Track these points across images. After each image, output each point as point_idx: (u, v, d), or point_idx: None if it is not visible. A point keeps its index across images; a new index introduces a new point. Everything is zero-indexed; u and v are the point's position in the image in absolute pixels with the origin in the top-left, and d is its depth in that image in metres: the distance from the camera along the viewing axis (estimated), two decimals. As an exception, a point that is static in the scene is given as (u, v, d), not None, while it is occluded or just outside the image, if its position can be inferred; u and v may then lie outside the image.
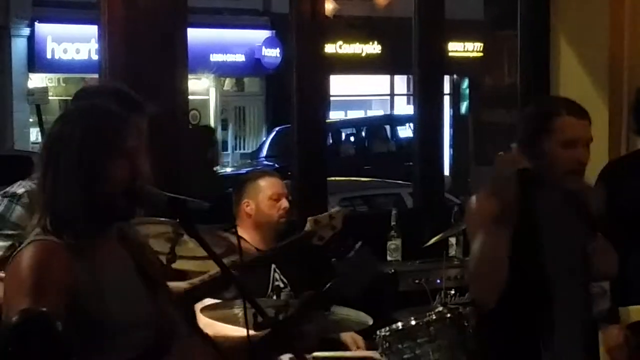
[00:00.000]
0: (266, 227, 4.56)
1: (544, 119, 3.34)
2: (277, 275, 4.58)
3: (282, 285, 4.54)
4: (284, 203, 4.60)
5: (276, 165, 17.07)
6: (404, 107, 23.76)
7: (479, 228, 3.21)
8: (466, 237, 3.37)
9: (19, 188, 3.27)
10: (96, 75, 6.34)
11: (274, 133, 20.42)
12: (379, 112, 24.86)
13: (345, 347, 4.66)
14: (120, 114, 2.71)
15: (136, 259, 2.75)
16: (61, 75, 20.09)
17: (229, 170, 17.98)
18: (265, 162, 18.40)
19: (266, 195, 4.59)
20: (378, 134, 20.41)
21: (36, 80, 19.43)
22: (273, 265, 4.57)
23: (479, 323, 3.59)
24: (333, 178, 10.02)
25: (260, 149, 20.17)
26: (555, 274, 3.28)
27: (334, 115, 20.78)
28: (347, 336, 4.63)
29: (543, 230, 3.28)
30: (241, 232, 4.49)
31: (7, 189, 3.30)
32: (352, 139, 20.37)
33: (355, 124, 21.32)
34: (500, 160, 3.28)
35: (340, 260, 3.75)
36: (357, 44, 22.13)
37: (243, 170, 17.17)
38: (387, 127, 20.69)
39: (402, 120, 20.77)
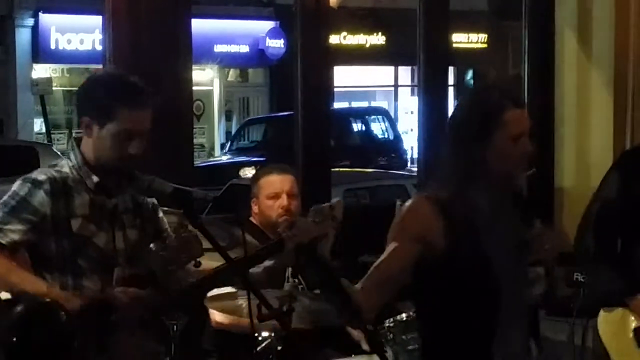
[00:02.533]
0: (268, 227, 4.52)
1: (493, 113, 3.23)
2: (289, 271, 4.56)
3: (297, 281, 4.52)
4: (283, 201, 4.46)
5: (245, 158, 17.01)
6: (408, 98, 23.74)
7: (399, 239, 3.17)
8: None
9: (40, 174, 3.29)
10: (100, 66, 6.33)
11: (243, 123, 20.40)
12: (384, 103, 24.88)
13: (351, 337, 4.64)
14: None
15: None
16: (65, 66, 20.09)
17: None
18: (230, 155, 18.25)
19: (264, 195, 4.51)
20: (343, 127, 19.48)
21: (40, 71, 19.43)
22: None
23: (424, 325, 3.54)
24: (337, 169, 10.03)
25: (234, 140, 19.85)
26: (499, 265, 3.25)
27: (338, 107, 20.77)
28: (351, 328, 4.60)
29: (481, 226, 3.23)
30: (256, 221, 4.49)
31: (28, 175, 3.32)
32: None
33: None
34: None
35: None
36: (362, 35, 22.12)
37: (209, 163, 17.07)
38: (352, 120, 20.21)
39: (369, 112, 20.68)
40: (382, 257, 3.20)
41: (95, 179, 3.33)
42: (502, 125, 3.16)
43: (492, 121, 3.16)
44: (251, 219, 4.52)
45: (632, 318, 4.06)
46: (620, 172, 4.16)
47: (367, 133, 20.03)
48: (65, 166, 3.36)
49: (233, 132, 21.00)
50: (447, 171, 3.22)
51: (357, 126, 19.97)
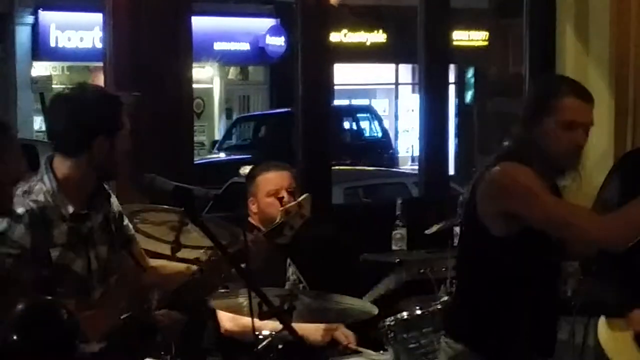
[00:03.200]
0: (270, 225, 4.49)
1: (547, 97, 3.34)
2: (292, 269, 4.56)
3: (297, 280, 4.51)
4: (285, 197, 4.41)
5: (234, 156, 16.96)
6: (409, 96, 23.72)
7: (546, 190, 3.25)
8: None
9: (18, 207, 3.24)
10: (100, 64, 6.33)
11: (234, 121, 20.31)
12: (384, 101, 24.86)
13: (336, 343, 4.62)
14: None
15: None
16: (65, 64, 20.08)
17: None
18: (220, 154, 18.15)
19: (264, 193, 4.47)
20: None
21: (40, 69, 19.42)
22: (288, 260, 4.54)
23: (460, 296, 3.64)
24: (338, 167, 10.03)
25: (225, 138, 19.73)
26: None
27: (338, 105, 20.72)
28: (337, 333, 4.57)
29: None
30: (255, 220, 4.47)
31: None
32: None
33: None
34: None
35: None
36: (362, 32, 22.10)
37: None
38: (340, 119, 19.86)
39: (357, 111, 20.54)
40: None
41: (70, 209, 3.30)
42: (554, 109, 3.27)
43: (545, 104, 3.28)
44: (250, 219, 4.49)
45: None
46: (621, 174, 4.16)
47: (354, 131, 19.98)
48: (40, 193, 3.30)
49: (239, 130, 20.98)
50: (506, 147, 3.39)
51: (345, 124, 19.90)
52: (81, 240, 3.33)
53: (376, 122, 20.67)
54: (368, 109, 21.34)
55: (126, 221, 3.55)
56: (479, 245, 3.42)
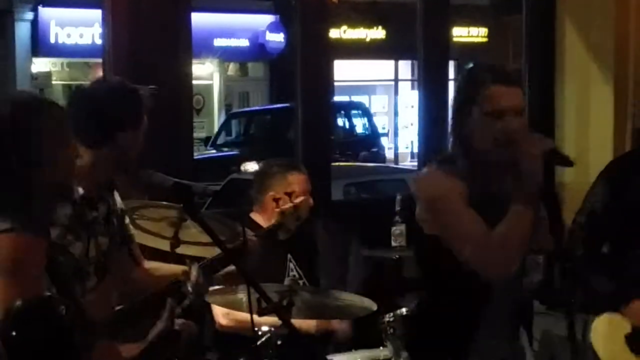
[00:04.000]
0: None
1: (473, 88, 3.24)
2: (292, 266, 4.56)
3: (297, 276, 4.51)
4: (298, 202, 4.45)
5: (227, 153, 16.94)
6: (408, 92, 23.71)
7: (455, 204, 3.14)
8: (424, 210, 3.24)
9: None
10: (100, 60, 6.32)
11: (227, 117, 20.23)
12: (384, 97, 24.85)
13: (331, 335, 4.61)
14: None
15: None
16: (65, 60, 20.06)
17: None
18: (212, 150, 18.08)
19: (284, 192, 4.46)
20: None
21: (39, 65, 19.41)
22: (289, 256, 4.54)
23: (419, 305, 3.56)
24: (337, 163, 10.02)
25: (218, 134, 19.68)
26: None
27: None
28: (334, 322, 4.57)
29: (484, 206, 3.22)
30: (259, 218, 4.46)
31: None
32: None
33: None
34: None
35: None
36: (362, 28, 22.09)
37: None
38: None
39: (347, 107, 20.32)
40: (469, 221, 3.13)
41: (80, 191, 3.31)
42: (479, 101, 3.16)
43: (469, 97, 3.18)
44: (253, 214, 4.49)
45: (624, 324, 4.04)
46: (606, 181, 4.14)
47: (345, 128, 19.95)
48: None
49: (235, 126, 20.99)
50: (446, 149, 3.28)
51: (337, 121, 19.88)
52: (83, 226, 3.32)
53: (365, 119, 20.63)
54: (358, 106, 21.28)
55: (127, 220, 3.55)
56: (418, 247, 3.38)
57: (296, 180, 4.49)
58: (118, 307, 3.25)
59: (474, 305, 3.23)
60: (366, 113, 20.95)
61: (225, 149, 17.82)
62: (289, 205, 3.83)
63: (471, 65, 3.80)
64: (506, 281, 3.20)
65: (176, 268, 3.50)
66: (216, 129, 21.16)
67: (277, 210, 3.81)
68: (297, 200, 4.05)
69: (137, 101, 3.38)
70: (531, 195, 3.07)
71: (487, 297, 3.22)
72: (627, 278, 3.97)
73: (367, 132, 20.31)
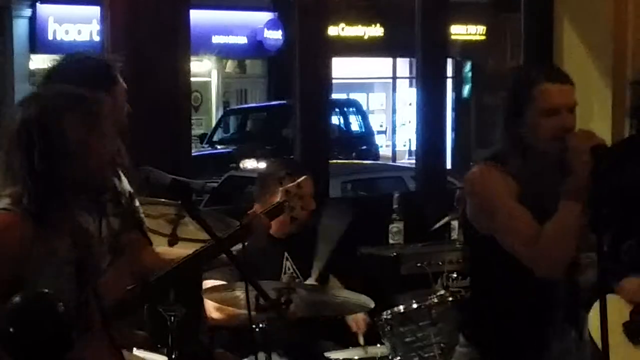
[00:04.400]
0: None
1: (525, 88, 3.30)
2: (288, 264, 4.56)
3: (293, 273, 4.51)
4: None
5: (222, 150, 16.90)
6: (406, 90, 23.70)
7: (507, 201, 3.20)
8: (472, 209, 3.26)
9: None
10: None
11: (223, 114, 20.12)
12: (382, 95, 24.84)
13: (347, 328, 4.63)
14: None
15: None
16: (63, 57, 20.02)
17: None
18: (210, 147, 18.02)
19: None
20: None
21: (38, 62, 19.38)
22: (285, 254, 4.54)
23: (474, 297, 3.59)
24: (335, 161, 10.02)
25: (214, 131, 19.57)
26: None
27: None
28: (349, 318, 4.59)
29: (535, 204, 3.27)
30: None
31: None
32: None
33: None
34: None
35: None
36: (360, 26, 22.06)
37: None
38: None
39: (343, 105, 20.32)
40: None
41: None
42: (532, 100, 3.22)
43: (521, 97, 3.24)
44: (262, 207, 4.48)
45: (622, 311, 4.04)
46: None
47: (340, 126, 19.93)
48: None
49: (231, 123, 20.97)
50: (496, 148, 3.34)
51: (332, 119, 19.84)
52: (93, 204, 3.32)
53: (360, 117, 20.60)
54: (353, 103, 21.24)
55: (137, 203, 3.54)
56: (472, 245, 3.42)
57: (303, 183, 4.47)
58: (129, 287, 3.25)
59: (529, 303, 3.28)
60: (360, 111, 20.92)
61: (221, 146, 17.79)
62: (292, 184, 3.79)
63: (518, 66, 3.95)
64: (561, 279, 3.25)
65: (184, 252, 3.50)
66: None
67: (281, 189, 3.79)
68: (302, 184, 4.07)
69: (103, 64, 3.47)
70: (581, 190, 3.12)
71: (543, 294, 3.27)
72: (620, 268, 3.99)
73: (362, 130, 20.29)
